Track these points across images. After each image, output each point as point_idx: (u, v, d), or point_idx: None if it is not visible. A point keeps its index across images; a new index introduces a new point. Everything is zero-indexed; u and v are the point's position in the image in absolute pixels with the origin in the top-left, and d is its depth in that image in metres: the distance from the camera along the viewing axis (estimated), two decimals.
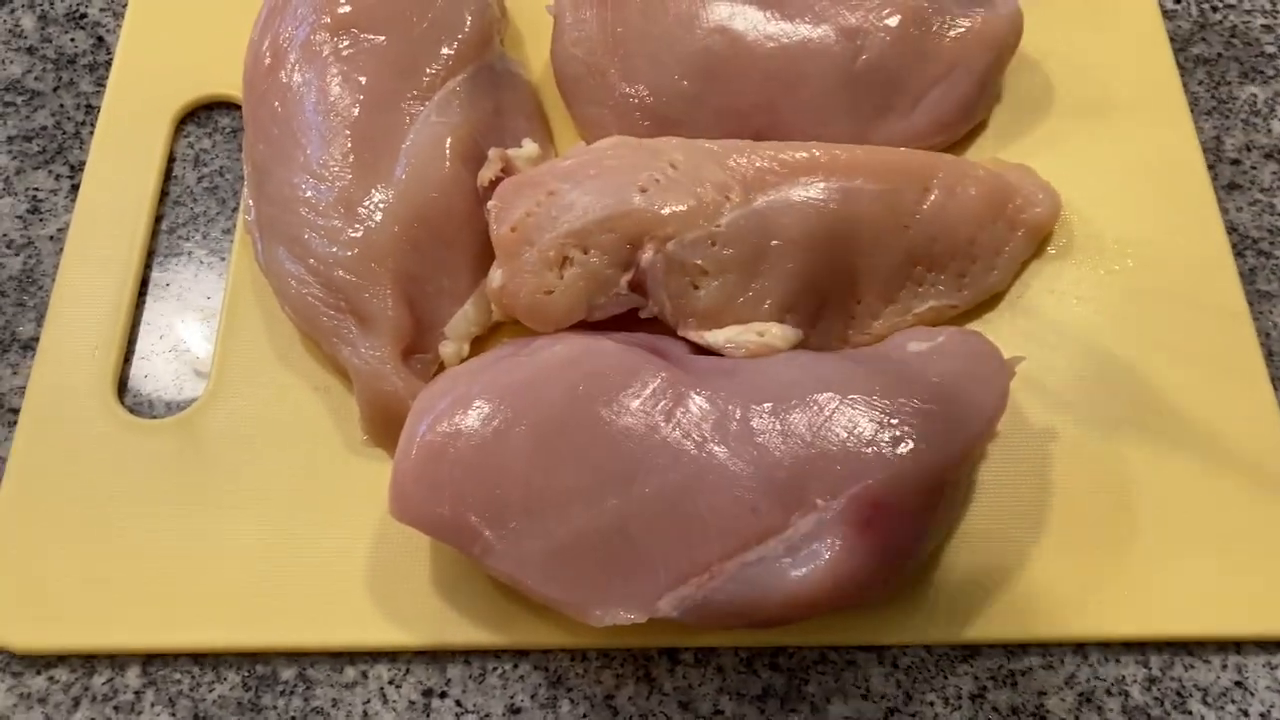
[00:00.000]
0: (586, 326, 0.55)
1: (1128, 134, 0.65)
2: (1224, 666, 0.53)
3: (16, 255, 0.63)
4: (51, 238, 0.63)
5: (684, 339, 0.55)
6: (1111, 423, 0.57)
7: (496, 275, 0.54)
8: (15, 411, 0.58)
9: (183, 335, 0.60)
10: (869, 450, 0.48)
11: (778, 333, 0.54)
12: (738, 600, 0.47)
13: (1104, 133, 0.65)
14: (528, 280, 0.53)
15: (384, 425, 0.55)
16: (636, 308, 0.55)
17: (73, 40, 0.69)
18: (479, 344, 0.58)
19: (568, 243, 0.53)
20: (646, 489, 0.48)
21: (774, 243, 0.55)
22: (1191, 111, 0.66)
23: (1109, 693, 0.53)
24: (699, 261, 0.54)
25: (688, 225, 0.54)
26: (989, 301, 0.60)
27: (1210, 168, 0.66)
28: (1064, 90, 0.66)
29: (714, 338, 0.54)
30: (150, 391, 0.59)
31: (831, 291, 0.57)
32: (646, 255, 0.53)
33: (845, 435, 0.49)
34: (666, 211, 0.54)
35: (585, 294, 0.54)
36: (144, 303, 0.61)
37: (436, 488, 0.48)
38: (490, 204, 0.55)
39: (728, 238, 0.54)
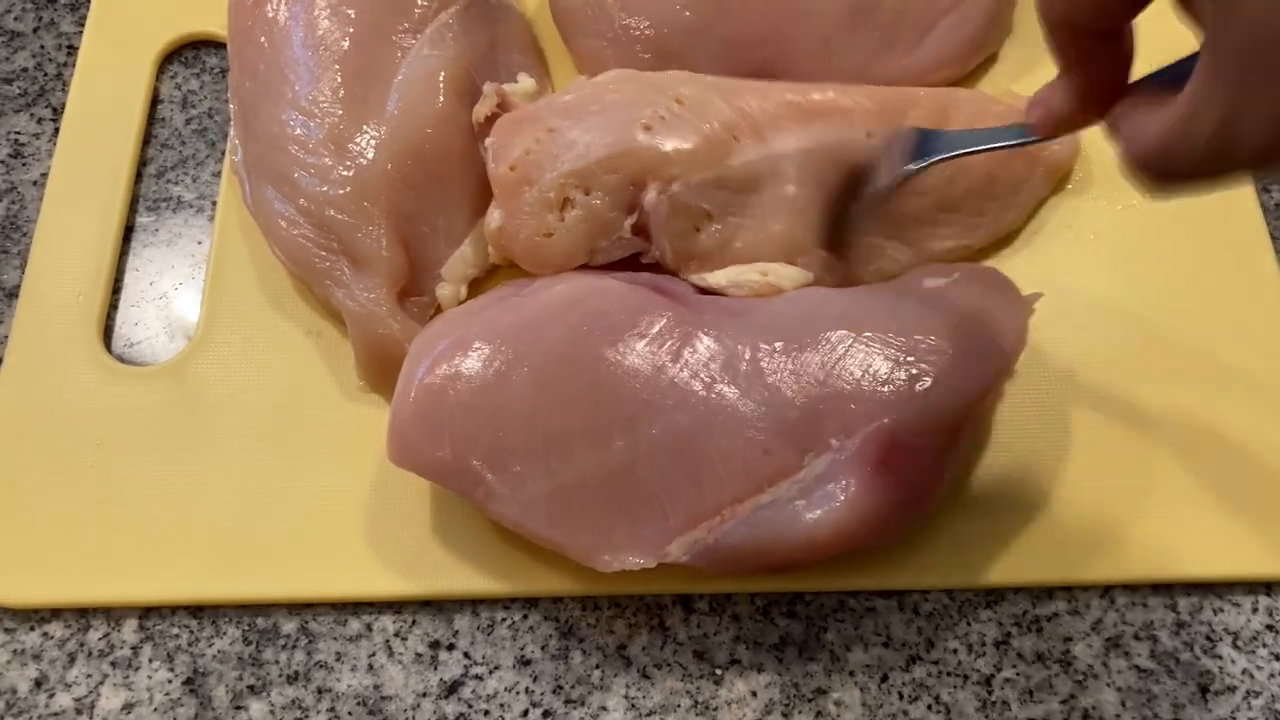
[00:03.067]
0: (585, 270, 0.53)
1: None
2: (1254, 610, 0.52)
3: None
4: (35, 183, 0.61)
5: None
6: (1131, 361, 0.56)
7: (495, 216, 0.53)
8: None
9: (173, 281, 0.59)
10: (885, 388, 0.47)
11: (784, 273, 0.53)
12: (750, 544, 0.46)
13: None
14: (527, 222, 0.52)
15: (380, 369, 0.53)
16: (638, 252, 0.53)
17: None
18: (476, 287, 0.56)
19: (569, 183, 0.51)
20: (654, 430, 0.47)
21: (787, 188, 0.53)
22: None
23: (1137, 637, 0.51)
24: (705, 205, 0.52)
25: (694, 166, 0.52)
26: (1004, 238, 0.58)
27: None
28: None
29: (715, 278, 0.53)
30: (141, 339, 0.57)
31: (843, 235, 0.54)
32: (650, 196, 0.51)
33: (860, 373, 0.47)
34: (672, 150, 0.52)
35: (586, 237, 0.52)
36: (132, 249, 0.59)
37: (436, 431, 0.47)
38: (488, 140, 0.53)
39: (736, 181, 0.52)
